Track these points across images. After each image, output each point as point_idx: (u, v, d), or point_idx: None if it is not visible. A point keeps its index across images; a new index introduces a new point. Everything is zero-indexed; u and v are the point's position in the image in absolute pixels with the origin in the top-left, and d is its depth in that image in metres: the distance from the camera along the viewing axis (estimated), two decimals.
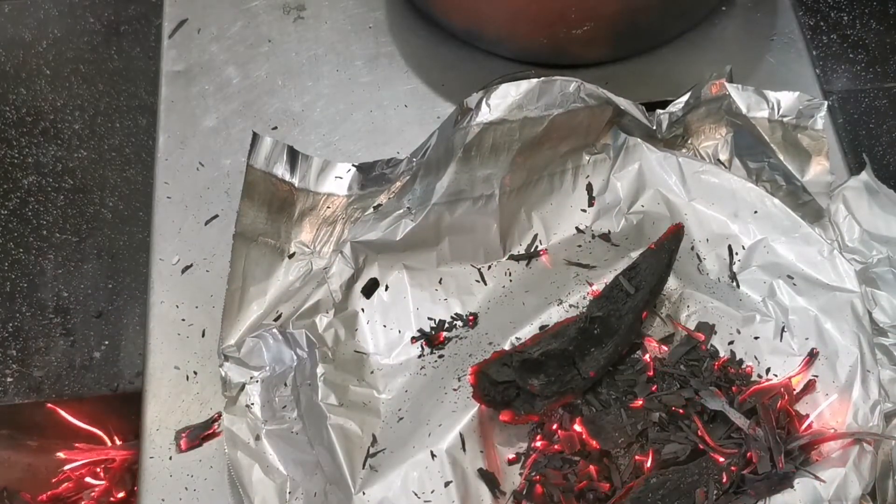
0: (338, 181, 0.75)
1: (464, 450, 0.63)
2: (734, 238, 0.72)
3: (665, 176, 0.75)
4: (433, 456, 0.62)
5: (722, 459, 0.61)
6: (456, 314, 0.72)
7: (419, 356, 0.70)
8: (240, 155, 0.81)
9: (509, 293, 0.73)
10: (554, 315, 0.70)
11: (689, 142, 0.77)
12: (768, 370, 0.67)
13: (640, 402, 0.64)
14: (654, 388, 0.65)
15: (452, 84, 0.85)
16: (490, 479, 0.63)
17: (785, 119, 0.72)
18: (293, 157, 0.74)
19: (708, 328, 0.69)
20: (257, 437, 0.66)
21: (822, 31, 0.97)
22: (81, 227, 0.94)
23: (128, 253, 0.93)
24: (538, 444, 0.64)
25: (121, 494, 0.89)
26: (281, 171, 0.73)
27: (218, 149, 0.83)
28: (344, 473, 0.61)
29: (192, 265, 0.77)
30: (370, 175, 0.76)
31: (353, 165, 0.76)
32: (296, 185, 0.74)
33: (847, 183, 0.74)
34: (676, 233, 0.69)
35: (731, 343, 0.69)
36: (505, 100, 0.69)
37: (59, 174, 0.96)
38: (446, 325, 0.71)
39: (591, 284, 0.71)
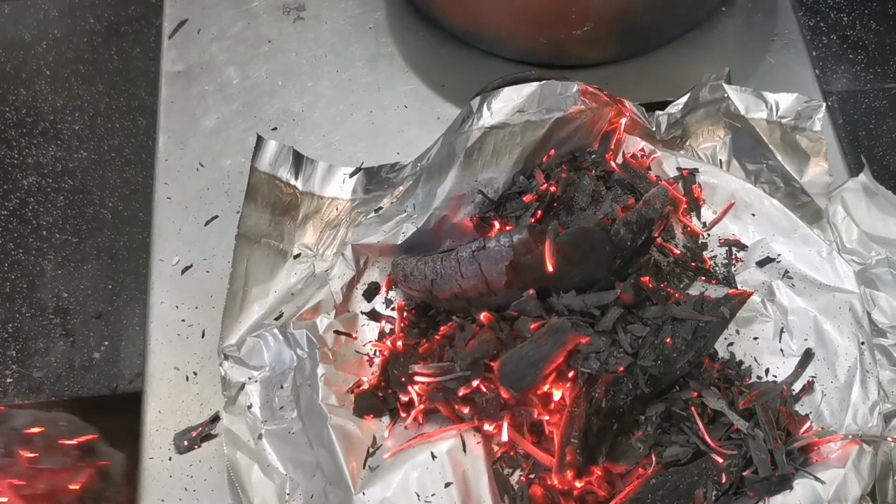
0: (342, 185, 0.75)
1: (464, 451, 0.63)
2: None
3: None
4: (433, 457, 0.62)
5: (721, 460, 0.61)
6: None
7: None
8: (240, 155, 0.81)
9: None
10: None
11: (688, 143, 0.77)
12: (767, 371, 0.67)
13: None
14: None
15: (452, 84, 0.85)
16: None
17: (783, 120, 0.72)
18: (298, 160, 0.74)
19: None
20: (258, 437, 0.66)
21: (822, 31, 0.97)
22: (81, 228, 0.94)
23: (128, 253, 0.93)
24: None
25: None
26: (286, 174, 0.74)
27: (218, 149, 0.83)
28: (344, 473, 0.62)
29: (192, 265, 0.77)
30: (374, 179, 0.76)
31: (358, 169, 0.76)
32: (300, 188, 0.74)
33: (845, 184, 0.74)
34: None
35: (730, 344, 0.69)
36: (506, 104, 0.69)
37: (59, 175, 0.96)
38: None
39: None
